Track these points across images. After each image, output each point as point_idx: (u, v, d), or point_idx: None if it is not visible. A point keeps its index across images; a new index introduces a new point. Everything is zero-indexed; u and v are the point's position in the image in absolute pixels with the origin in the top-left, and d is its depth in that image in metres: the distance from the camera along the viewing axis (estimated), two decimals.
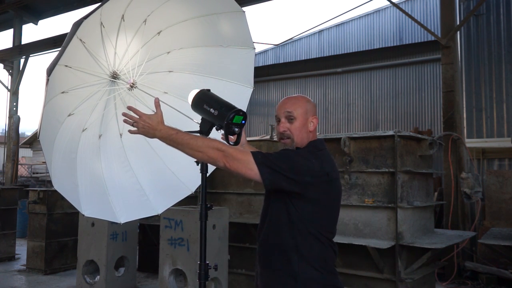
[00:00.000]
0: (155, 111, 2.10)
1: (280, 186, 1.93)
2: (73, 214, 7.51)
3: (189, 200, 5.45)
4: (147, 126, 2.06)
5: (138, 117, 2.08)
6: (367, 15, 14.49)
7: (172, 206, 3.23)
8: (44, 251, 7.44)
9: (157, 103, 2.13)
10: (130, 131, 2.14)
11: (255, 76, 3.04)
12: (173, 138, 2.00)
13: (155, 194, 3.01)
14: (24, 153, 24.95)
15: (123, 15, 2.69)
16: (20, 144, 15.11)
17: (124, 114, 2.13)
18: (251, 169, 1.90)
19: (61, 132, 2.69)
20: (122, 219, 2.85)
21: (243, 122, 2.15)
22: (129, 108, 2.14)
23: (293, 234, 1.98)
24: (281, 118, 2.11)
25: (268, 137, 6.20)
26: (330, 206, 2.05)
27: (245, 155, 1.91)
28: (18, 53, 13.24)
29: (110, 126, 2.94)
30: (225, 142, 2.13)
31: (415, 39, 13.37)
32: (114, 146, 2.96)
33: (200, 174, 2.29)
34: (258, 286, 2.10)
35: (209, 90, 2.30)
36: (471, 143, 8.48)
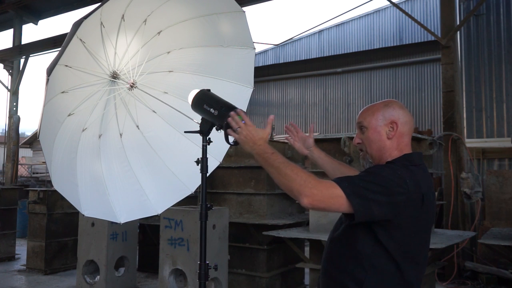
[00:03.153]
0: (266, 127, 1.92)
1: (372, 217, 1.68)
2: (73, 214, 7.50)
3: (189, 200, 5.45)
4: (250, 136, 1.88)
5: (245, 124, 1.91)
6: (367, 15, 14.49)
7: (172, 206, 3.23)
8: (44, 251, 7.44)
9: (270, 121, 1.97)
10: (230, 133, 1.97)
11: (255, 76, 3.04)
12: (267, 157, 1.80)
13: (155, 194, 3.00)
14: (24, 153, 24.96)
15: (123, 15, 2.69)
16: (20, 144, 15.11)
17: (233, 115, 1.95)
18: (342, 204, 1.66)
19: (61, 132, 2.69)
20: (122, 219, 2.85)
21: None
22: (240, 112, 1.96)
23: (364, 270, 1.75)
24: (357, 130, 1.96)
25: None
26: (421, 232, 1.79)
27: (332, 188, 1.66)
28: (18, 53, 13.23)
29: (110, 126, 2.94)
30: (227, 143, 2.10)
31: (415, 39, 13.38)
32: (114, 146, 2.96)
33: (200, 174, 2.28)
34: None
35: (209, 90, 2.30)
36: (471, 143, 8.48)
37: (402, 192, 1.68)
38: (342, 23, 14.92)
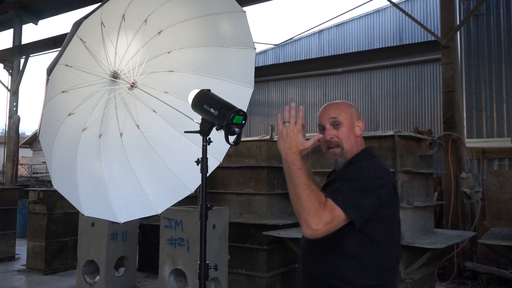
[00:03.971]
0: (309, 141, 1.87)
1: (366, 217, 1.78)
2: (73, 214, 7.50)
3: (189, 200, 5.45)
4: (289, 139, 1.80)
5: (296, 123, 1.82)
6: (367, 15, 14.49)
7: (172, 206, 3.23)
8: (44, 251, 7.44)
9: (316, 140, 1.90)
10: (279, 125, 1.86)
11: (255, 76, 3.04)
12: (292, 169, 1.75)
13: (155, 194, 3.01)
14: (24, 153, 24.95)
15: (123, 15, 2.69)
16: (20, 144, 15.11)
17: (292, 105, 1.85)
18: (343, 221, 1.72)
19: (61, 132, 2.69)
20: (121, 219, 2.85)
21: (243, 122, 2.15)
22: (300, 110, 1.85)
23: (352, 268, 1.83)
24: (325, 125, 1.97)
25: (268, 137, 6.18)
26: (397, 216, 1.93)
27: (332, 212, 1.70)
28: (18, 53, 13.23)
29: (111, 126, 2.94)
30: (227, 142, 2.11)
31: (415, 39, 13.38)
32: (114, 145, 2.97)
33: (200, 174, 2.28)
34: None
35: (209, 90, 2.30)
36: (471, 143, 8.48)
37: (382, 184, 1.81)
38: (342, 23, 14.92)
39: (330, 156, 1.97)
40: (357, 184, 1.79)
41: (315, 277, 1.90)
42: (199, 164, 2.27)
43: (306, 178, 1.75)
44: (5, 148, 13.43)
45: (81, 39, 2.56)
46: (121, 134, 2.97)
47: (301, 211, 1.70)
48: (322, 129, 2.00)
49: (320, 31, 15.24)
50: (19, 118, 13.42)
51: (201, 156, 2.26)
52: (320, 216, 1.67)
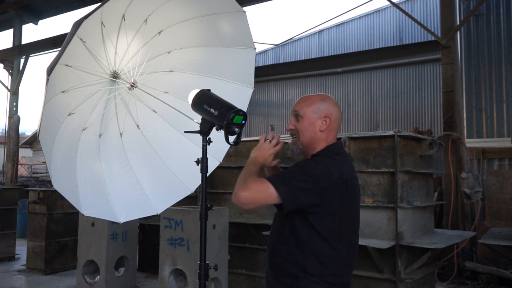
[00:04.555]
0: (276, 148, 2.09)
1: (299, 203, 1.86)
2: (73, 214, 7.50)
3: (189, 200, 5.45)
4: (263, 153, 2.07)
5: (275, 146, 2.09)
6: (367, 15, 14.49)
7: (172, 206, 3.23)
8: (44, 251, 7.44)
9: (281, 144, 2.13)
10: (262, 139, 2.13)
11: (255, 76, 3.04)
12: (250, 168, 2.00)
13: (155, 193, 3.01)
14: (24, 153, 24.94)
15: (123, 15, 2.69)
16: (20, 144, 15.11)
17: (277, 135, 2.14)
18: (271, 194, 1.84)
19: (61, 132, 2.69)
20: (121, 219, 2.85)
21: (243, 122, 2.15)
22: (278, 136, 2.14)
23: (304, 255, 1.90)
24: (291, 116, 2.10)
25: None
26: (349, 213, 1.97)
27: (262, 185, 1.86)
28: (18, 53, 13.23)
29: (110, 126, 2.94)
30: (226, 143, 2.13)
31: (415, 39, 13.38)
32: (114, 145, 2.97)
33: (200, 174, 2.28)
34: None
35: (209, 90, 2.30)
36: (471, 143, 8.48)
37: (327, 178, 1.86)
38: (342, 23, 14.92)
39: (291, 144, 2.12)
40: (300, 169, 1.90)
41: (276, 263, 1.99)
42: (199, 164, 2.27)
43: (257, 173, 1.98)
44: (5, 148, 13.43)
45: (81, 39, 2.56)
46: (121, 134, 2.97)
47: (239, 180, 1.90)
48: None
49: (320, 31, 15.24)
50: (19, 118, 13.43)
51: (201, 156, 2.26)
52: (247, 185, 1.85)
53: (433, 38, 8.89)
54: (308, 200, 1.85)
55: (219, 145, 2.36)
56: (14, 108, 13.48)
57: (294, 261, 1.92)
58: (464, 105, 8.87)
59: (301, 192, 1.84)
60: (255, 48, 2.97)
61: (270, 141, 2.09)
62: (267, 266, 2.07)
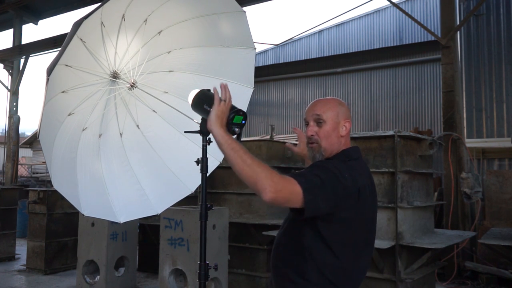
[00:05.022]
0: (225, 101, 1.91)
1: (318, 212, 1.74)
2: (73, 214, 7.50)
3: (189, 200, 5.45)
4: (222, 117, 1.90)
5: (226, 102, 1.91)
6: (367, 15, 14.50)
7: (172, 206, 3.23)
8: (44, 251, 7.44)
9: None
10: (217, 100, 1.95)
11: (255, 76, 3.04)
12: (231, 142, 1.80)
13: (155, 193, 3.01)
14: (24, 153, 24.94)
15: (123, 15, 2.69)
16: (20, 144, 15.10)
17: (224, 86, 1.96)
18: (299, 200, 1.70)
19: (61, 132, 2.69)
20: (121, 219, 2.85)
21: (243, 122, 2.14)
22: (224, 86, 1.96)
23: (304, 260, 1.83)
24: (309, 121, 1.97)
25: (268, 137, 6.19)
26: (360, 223, 1.87)
27: (293, 185, 1.70)
28: (18, 53, 13.23)
29: (110, 126, 2.94)
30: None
31: (415, 39, 13.38)
32: (114, 145, 2.97)
33: (200, 174, 2.28)
34: None
35: (209, 90, 2.29)
36: (471, 143, 8.48)
37: (343, 185, 1.76)
38: (342, 23, 14.92)
39: (309, 150, 2.00)
40: (321, 172, 1.77)
41: (277, 265, 1.96)
42: (199, 164, 2.27)
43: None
44: (5, 148, 13.43)
45: (81, 39, 2.56)
46: (121, 134, 2.97)
47: (256, 176, 1.68)
48: (306, 124, 2.00)
49: (320, 31, 15.24)
50: (19, 118, 13.43)
51: (201, 156, 2.26)
52: (277, 181, 1.67)
53: (433, 38, 8.88)
54: (326, 208, 1.75)
55: None
56: (14, 108, 13.48)
57: (294, 265, 1.86)
58: (464, 105, 8.87)
59: (322, 201, 1.73)
60: (255, 48, 2.97)
61: (225, 101, 1.92)
62: (271, 267, 2.04)
